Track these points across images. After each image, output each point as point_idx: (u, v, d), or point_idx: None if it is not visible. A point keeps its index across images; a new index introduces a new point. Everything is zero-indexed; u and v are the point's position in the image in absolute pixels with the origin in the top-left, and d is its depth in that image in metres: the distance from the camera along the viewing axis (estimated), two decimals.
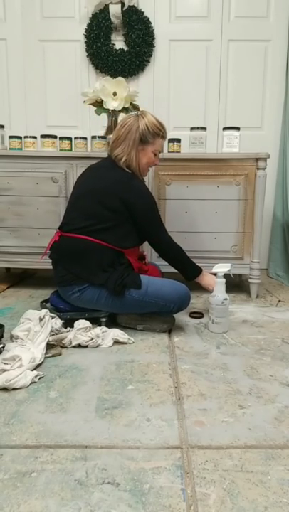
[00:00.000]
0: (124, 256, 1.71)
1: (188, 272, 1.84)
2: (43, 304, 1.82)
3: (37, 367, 1.40)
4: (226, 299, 1.75)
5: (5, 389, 1.26)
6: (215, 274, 1.79)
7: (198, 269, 1.85)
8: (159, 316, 1.76)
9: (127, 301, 1.68)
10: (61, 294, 1.76)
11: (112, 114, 2.31)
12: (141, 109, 1.85)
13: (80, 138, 2.33)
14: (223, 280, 1.77)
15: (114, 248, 1.69)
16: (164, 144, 2.32)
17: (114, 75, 2.51)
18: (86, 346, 1.59)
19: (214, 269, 1.79)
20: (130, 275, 1.68)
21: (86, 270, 1.68)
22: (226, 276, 1.80)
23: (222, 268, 1.79)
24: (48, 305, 1.78)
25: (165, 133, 1.79)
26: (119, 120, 2.37)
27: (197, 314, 1.97)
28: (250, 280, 2.27)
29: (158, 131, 1.75)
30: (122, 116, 2.36)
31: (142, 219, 1.73)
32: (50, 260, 1.80)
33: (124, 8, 2.66)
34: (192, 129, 2.28)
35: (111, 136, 2.31)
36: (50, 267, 1.82)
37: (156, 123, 1.76)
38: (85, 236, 1.67)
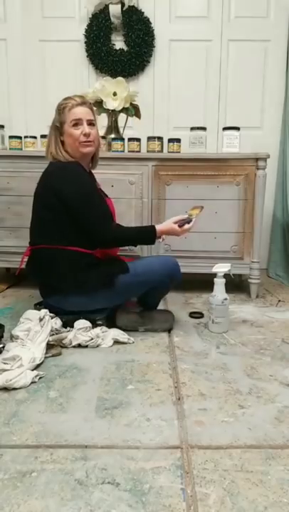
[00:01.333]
0: (93, 257, 1.65)
1: (146, 240, 1.70)
2: (36, 307, 1.80)
3: (37, 367, 1.40)
4: (225, 299, 1.76)
5: (5, 389, 1.26)
6: (215, 275, 1.77)
7: (151, 230, 1.67)
8: (160, 316, 1.76)
9: (120, 287, 1.64)
10: (50, 302, 1.72)
11: (112, 114, 2.31)
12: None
13: None
14: (223, 280, 1.76)
15: (82, 251, 1.63)
16: (165, 144, 2.34)
17: (114, 75, 2.51)
18: (86, 346, 1.59)
19: (214, 269, 1.78)
20: (114, 263, 1.66)
21: (62, 280, 1.63)
22: (226, 276, 1.80)
23: (222, 268, 1.77)
24: (42, 307, 1.75)
25: (71, 100, 1.64)
26: (119, 121, 2.38)
27: (197, 314, 1.97)
28: (250, 280, 2.27)
29: (60, 106, 1.65)
30: (122, 116, 2.37)
31: (71, 208, 1.59)
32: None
33: (124, 8, 2.66)
34: (192, 129, 2.28)
35: (111, 136, 2.32)
36: None
37: (62, 101, 1.66)
38: (49, 245, 1.63)
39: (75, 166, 1.64)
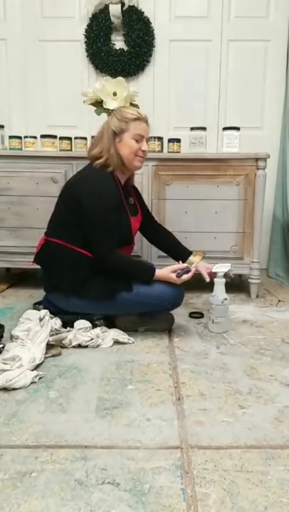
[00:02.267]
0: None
1: (141, 280, 1.67)
2: (36, 306, 1.80)
3: (37, 367, 1.40)
4: (225, 299, 1.75)
5: (5, 389, 1.26)
6: (215, 275, 1.77)
7: (149, 273, 1.66)
8: (159, 316, 1.76)
9: (119, 302, 1.66)
10: (50, 299, 1.75)
11: (112, 114, 2.30)
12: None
13: (80, 138, 2.33)
14: (223, 280, 1.76)
15: (90, 255, 1.64)
16: (165, 144, 2.34)
17: (114, 75, 2.50)
18: (86, 346, 1.59)
19: (214, 269, 1.77)
20: (120, 278, 1.66)
21: (63, 278, 1.65)
22: (227, 276, 1.79)
23: (222, 268, 1.76)
24: (41, 307, 1.75)
25: (140, 115, 1.68)
26: None
27: (197, 314, 1.97)
28: (250, 280, 2.27)
29: (129, 116, 1.66)
30: None
31: (84, 220, 1.62)
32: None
33: (124, 8, 2.66)
34: (192, 129, 2.28)
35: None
36: None
37: (126, 110, 1.70)
38: (62, 241, 1.66)
39: (106, 181, 1.65)
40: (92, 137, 2.27)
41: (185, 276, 1.65)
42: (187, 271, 1.66)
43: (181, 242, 1.94)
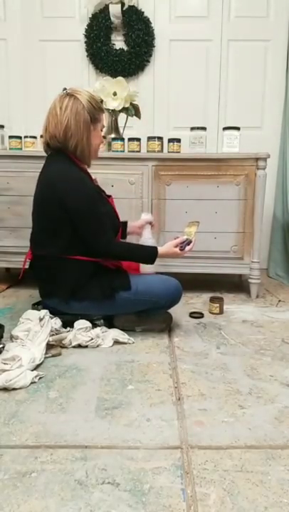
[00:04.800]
0: (100, 265, 1.65)
1: (145, 261, 1.69)
2: (35, 307, 1.80)
3: (37, 367, 1.40)
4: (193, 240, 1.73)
5: (5, 389, 1.25)
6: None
7: (153, 252, 1.65)
8: (157, 316, 1.76)
9: (118, 302, 1.66)
10: (48, 304, 1.71)
11: (112, 114, 2.31)
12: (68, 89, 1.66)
13: None
14: (148, 225, 1.83)
15: (87, 259, 1.63)
16: (165, 144, 2.34)
17: (114, 75, 2.51)
18: (86, 346, 1.59)
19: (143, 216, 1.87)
20: (118, 277, 1.66)
21: (64, 288, 1.63)
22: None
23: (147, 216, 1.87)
24: (40, 307, 1.74)
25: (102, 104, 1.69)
26: (119, 121, 2.37)
27: (197, 314, 1.97)
28: (250, 280, 2.27)
29: (100, 105, 1.63)
30: (122, 116, 2.37)
31: (75, 219, 1.57)
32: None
33: (124, 8, 2.66)
34: (192, 129, 2.28)
35: (111, 136, 2.31)
36: None
37: (94, 96, 1.62)
38: (54, 253, 1.60)
39: (78, 174, 1.60)
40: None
41: (188, 248, 1.66)
42: (188, 242, 1.67)
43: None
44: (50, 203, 1.58)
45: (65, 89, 1.63)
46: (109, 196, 1.82)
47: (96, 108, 1.60)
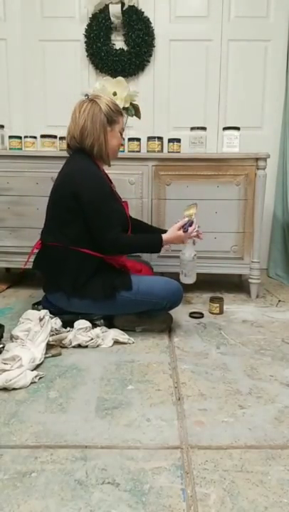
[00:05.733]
0: (104, 262, 1.67)
1: (152, 249, 1.77)
2: (35, 307, 1.80)
3: (37, 367, 1.40)
4: (195, 255, 1.79)
5: (5, 389, 1.26)
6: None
7: (158, 239, 1.69)
8: (157, 316, 1.76)
9: (119, 302, 1.66)
10: (50, 299, 1.75)
11: None
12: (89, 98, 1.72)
13: None
14: (191, 240, 1.78)
15: (94, 254, 1.65)
16: (165, 144, 2.34)
17: (114, 75, 2.51)
18: (86, 346, 1.59)
19: (185, 212, 1.82)
20: (119, 276, 1.67)
21: (66, 280, 1.65)
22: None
23: (189, 210, 1.81)
24: (40, 307, 1.75)
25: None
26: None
27: (197, 314, 1.97)
28: (250, 280, 2.27)
29: (118, 108, 1.72)
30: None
31: (87, 211, 1.61)
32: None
33: (124, 8, 2.66)
34: (192, 129, 2.28)
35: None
36: None
37: (113, 101, 1.72)
38: (62, 244, 1.65)
39: (96, 170, 1.67)
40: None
41: (191, 229, 1.70)
42: (190, 223, 1.70)
43: (152, 225, 1.99)
44: (66, 193, 1.63)
45: (86, 95, 1.72)
46: (125, 201, 1.87)
47: (114, 111, 1.68)
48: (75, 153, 1.71)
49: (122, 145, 1.73)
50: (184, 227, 1.69)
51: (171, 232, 1.70)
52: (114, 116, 1.67)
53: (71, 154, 1.74)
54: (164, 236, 1.69)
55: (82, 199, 1.60)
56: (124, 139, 1.76)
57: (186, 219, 1.72)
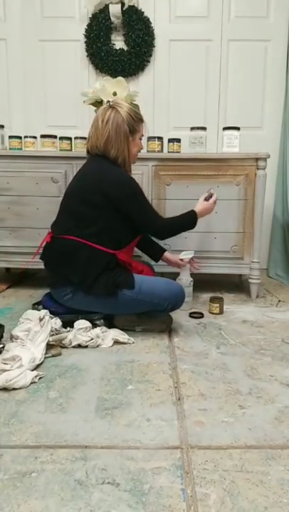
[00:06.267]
0: (115, 258, 1.69)
1: (190, 225, 1.84)
2: (35, 307, 1.80)
3: (37, 367, 1.40)
4: (191, 281, 2.04)
5: (5, 389, 1.26)
6: (182, 261, 1.99)
7: (192, 213, 1.83)
8: (157, 316, 1.76)
9: (121, 300, 1.67)
10: (54, 295, 1.76)
11: None
12: (112, 100, 1.78)
13: (80, 138, 2.33)
14: (188, 265, 2.01)
15: (105, 250, 1.67)
16: (165, 144, 2.34)
17: (114, 75, 2.51)
18: (86, 346, 1.59)
19: (180, 256, 1.99)
20: (122, 275, 1.68)
21: (76, 272, 1.66)
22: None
23: (187, 255, 1.99)
24: (40, 307, 1.75)
25: (141, 115, 1.80)
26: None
27: (197, 314, 1.97)
28: (250, 280, 2.27)
29: (139, 116, 1.75)
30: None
31: (130, 209, 1.69)
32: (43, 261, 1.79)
33: (124, 8, 2.66)
34: (192, 129, 2.28)
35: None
36: None
37: (133, 108, 1.75)
38: (76, 237, 1.66)
39: (124, 171, 1.73)
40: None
41: (212, 199, 1.86)
42: (210, 196, 1.88)
43: (154, 241, 2.04)
44: (97, 193, 1.66)
45: (108, 101, 1.74)
46: None
47: (135, 120, 1.72)
48: (99, 158, 1.72)
49: (141, 149, 1.84)
50: (206, 198, 1.87)
51: (200, 204, 1.85)
52: (135, 125, 1.72)
53: (95, 158, 1.75)
54: (196, 208, 1.83)
55: (118, 198, 1.66)
56: (142, 147, 1.84)
57: (206, 194, 1.89)
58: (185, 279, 2.00)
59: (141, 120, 1.76)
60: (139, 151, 1.82)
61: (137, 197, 1.71)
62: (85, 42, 2.74)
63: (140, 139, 1.78)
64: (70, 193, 1.76)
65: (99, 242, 1.66)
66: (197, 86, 2.80)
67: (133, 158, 1.79)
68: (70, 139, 2.33)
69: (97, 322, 1.69)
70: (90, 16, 2.72)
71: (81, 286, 1.66)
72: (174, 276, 1.97)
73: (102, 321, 1.70)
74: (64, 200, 1.78)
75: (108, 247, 1.67)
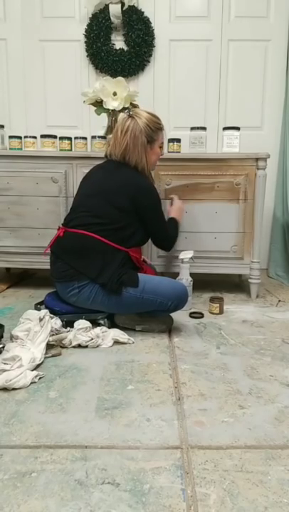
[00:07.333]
0: (127, 255, 1.73)
1: (178, 230, 2.00)
2: (37, 307, 1.80)
3: (37, 367, 1.40)
4: (191, 281, 2.05)
5: (5, 389, 1.26)
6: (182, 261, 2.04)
7: (176, 221, 1.99)
8: (158, 316, 1.76)
9: (124, 299, 1.67)
10: (59, 291, 1.76)
11: (112, 114, 2.31)
12: (131, 107, 1.85)
13: (80, 138, 2.33)
14: (188, 265, 2.04)
15: (119, 247, 1.70)
16: (165, 143, 2.34)
17: (114, 75, 2.51)
18: (86, 346, 1.59)
19: (180, 256, 2.04)
20: (127, 273, 1.68)
21: (93, 267, 1.67)
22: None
23: (187, 255, 2.04)
24: (43, 307, 1.76)
25: (162, 123, 1.82)
26: (119, 120, 2.37)
27: (197, 314, 1.97)
28: (250, 280, 2.27)
29: (158, 126, 1.78)
30: (122, 116, 2.36)
31: (149, 217, 1.77)
32: (49, 257, 1.79)
33: (124, 8, 2.66)
34: (192, 129, 2.28)
35: (110, 136, 2.32)
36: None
37: (153, 118, 1.77)
38: (91, 233, 1.68)
39: (147, 178, 1.80)
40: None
41: (175, 200, 2.11)
42: (171, 199, 2.12)
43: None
44: (124, 196, 1.72)
45: (128, 110, 1.79)
46: None
47: (154, 130, 1.76)
48: (121, 164, 1.77)
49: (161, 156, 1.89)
50: (171, 204, 2.07)
51: (172, 211, 2.02)
52: (154, 135, 1.76)
53: (116, 163, 1.78)
54: (173, 215, 2.00)
55: (143, 205, 1.73)
56: (162, 154, 1.90)
57: (170, 201, 2.09)
58: (185, 279, 2.01)
59: (160, 129, 1.79)
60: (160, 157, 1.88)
61: (157, 207, 1.79)
62: (85, 42, 2.74)
63: (161, 147, 1.82)
64: (97, 191, 1.76)
65: (112, 240, 1.69)
66: (197, 86, 2.80)
67: (152, 166, 1.84)
68: (70, 139, 2.32)
69: (101, 321, 1.70)
70: (90, 15, 2.72)
71: (96, 281, 1.67)
72: (174, 276, 1.97)
73: (106, 320, 1.71)
74: (85, 196, 1.79)
75: (123, 245, 1.71)
